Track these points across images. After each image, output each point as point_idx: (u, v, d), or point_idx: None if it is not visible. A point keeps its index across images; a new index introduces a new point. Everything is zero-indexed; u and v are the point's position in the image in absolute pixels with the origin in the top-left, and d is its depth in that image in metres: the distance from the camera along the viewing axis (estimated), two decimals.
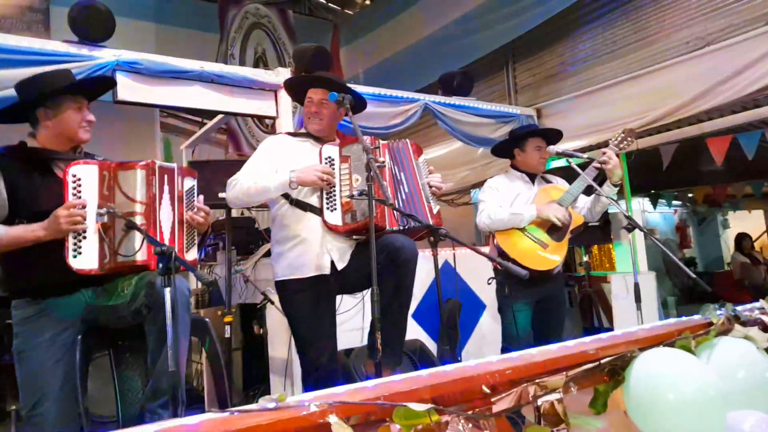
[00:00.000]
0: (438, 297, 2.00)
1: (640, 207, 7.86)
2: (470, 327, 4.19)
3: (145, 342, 1.89)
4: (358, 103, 2.51)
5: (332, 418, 0.87)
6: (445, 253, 3.89)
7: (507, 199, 2.89)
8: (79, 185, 1.87)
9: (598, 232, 4.63)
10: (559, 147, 3.05)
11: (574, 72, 5.17)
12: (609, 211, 4.43)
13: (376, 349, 1.92)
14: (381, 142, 2.38)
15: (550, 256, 2.80)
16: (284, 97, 3.72)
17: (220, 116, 4.56)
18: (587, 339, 1.33)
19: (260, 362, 3.61)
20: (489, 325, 4.18)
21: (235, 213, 4.21)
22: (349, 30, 7.38)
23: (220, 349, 2.89)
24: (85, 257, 1.85)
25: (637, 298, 2.62)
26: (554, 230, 2.84)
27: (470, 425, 1.05)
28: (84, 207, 1.84)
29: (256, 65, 6.24)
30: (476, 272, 4.02)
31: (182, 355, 1.87)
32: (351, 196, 2.23)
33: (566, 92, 5.15)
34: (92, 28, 3.01)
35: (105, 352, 1.99)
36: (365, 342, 3.40)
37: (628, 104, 4.56)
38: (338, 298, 2.45)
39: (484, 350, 4.12)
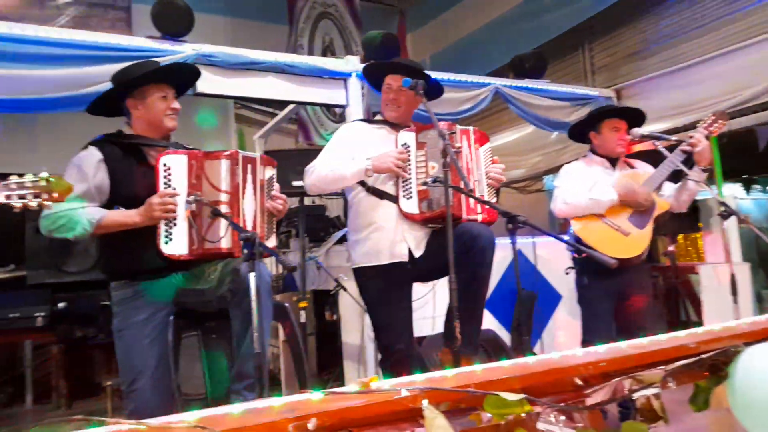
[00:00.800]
0: (517, 286, 1.95)
1: (732, 193, 7.33)
2: (545, 319, 4.07)
3: (229, 324, 1.98)
4: (435, 90, 2.48)
5: (424, 404, 0.87)
6: (518, 243, 3.79)
7: (584, 186, 2.76)
8: (170, 174, 1.96)
9: (685, 220, 4.32)
10: (644, 129, 2.88)
11: (658, 49, 4.86)
12: (697, 197, 4.15)
13: (455, 338, 1.90)
14: (459, 127, 2.34)
15: (632, 244, 2.65)
16: (354, 85, 3.75)
17: (291, 106, 4.66)
18: (681, 333, 1.26)
19: (333, 348, 3.69)
20: (565, 318, 4.05)
21: (307, 201, 4.30)
22: (415, 15, 7.30)
23: (299, 333, 2.98)
24: (176, 243, 1.95)
25: (734, 291, 2.44)
26: (636, 216, 2.69)
27: (563, 417, 1.02)
28: (175, 195, 1.93)
29: (324, 55, 6.32)
30: (552, 262, 3.91)
31: (265, 339, 1.93)
32: (425, 184, 2.22)
33: (649, 71, 4.85)
34: (173, 23, 3.14)
35: (193, 333, 2.09)
36: (436, 331, 3.41)
37: (718, 83, 4.24)
38: None
39: (560, 343, 4.00)
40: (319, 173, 2.30)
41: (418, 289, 2.88)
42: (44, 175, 1.45)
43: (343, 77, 3.73)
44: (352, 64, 3.74)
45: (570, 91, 4.68)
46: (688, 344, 1.17)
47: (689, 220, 4.46)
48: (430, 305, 3.37)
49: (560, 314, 4.10)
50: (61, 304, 3.46)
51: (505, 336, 3.74)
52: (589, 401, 1.04)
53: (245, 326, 1.90)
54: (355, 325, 3.63)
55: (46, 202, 1.45)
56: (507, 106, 4.54)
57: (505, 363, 1.04)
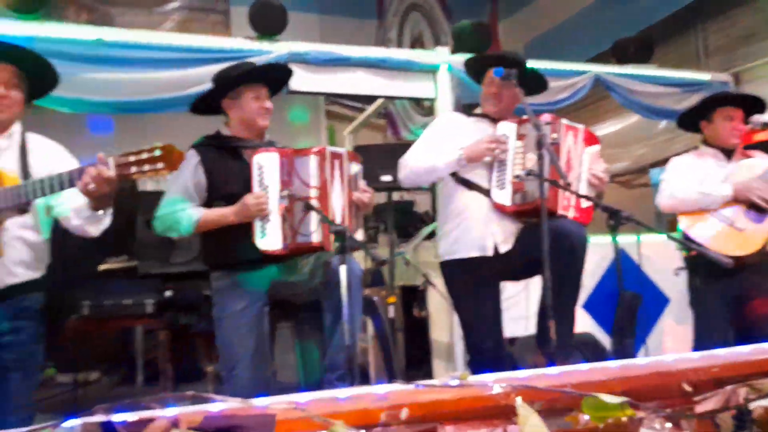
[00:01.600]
0: (619, 287, 1.82)
1: None
2: (650, 323, 3.79)
3: (321, 315, 2.02)
4: (538, 83, 2.41)
5: (518, 401, 0.83)
6: (621, 241, 3.57)
7: (694, 180, 2.54)
8: (263, 171, 2.05)
9: None
10: (766, 117, 2.59)
11: None
12: None
13: (549, 339, 1.82)
14: (565, 122, 2.22)
15: (749, 241, 2.41)
16: (443, 77, 3.69)
17: (380, 101, 4.69)
18: None
19: (421, 344, 3.68)
20: (673, 322, 3.74)
21: (395, 196, 4.32)
22: (507, 2, 7.08)
23: (388, 328, 3.00)
24: (270, 238, 2.02)
25: None
26: (753, 211, 2.44)
27: (669, 425, 0.94)
28: (268, 193, 2.01)
29: (412, 48, 6.32)
30: (659, 262, 3.62)
31: (356, 331, 1.96)
32: (518, 177, 2.14)
33: None
34: (268, 23, 3.27)
35: (287, 323, 2.17)
36: (529, 332, 3.28)
37: None
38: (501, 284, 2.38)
39: (667, 350, 3.70)
40: (412, 165, 2.29)
41: (509, 287, 2.79)
42: (158, 144, 1.56)
43: (432, 70, 3.69)
44: (442, 55, 3.69)
45: (680, 77, 4.32)
46: None
47: None
48: (522, 305, 3.24)
49: (668, 319, 3.80)
50: (168, 293, 3.74)
51: (604, 340, 3.54)
52: (699, 409, 0.95)
53: (336, 318, 1.95)
54: (444, 322, 3.59)
55: (162, 171, 1.55)
56: (608, 94, 4.28)
57: (607, 363, 0.97)
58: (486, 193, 2.22)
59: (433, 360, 3.54)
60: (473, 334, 2.28)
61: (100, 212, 1.72)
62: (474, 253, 2.22)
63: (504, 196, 2.17)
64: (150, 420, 0.76)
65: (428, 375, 3.56)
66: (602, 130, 5.65)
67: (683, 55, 5.15)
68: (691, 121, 2.73)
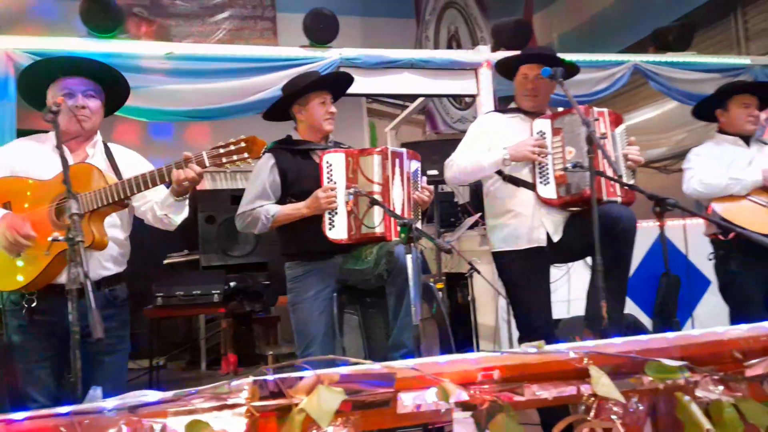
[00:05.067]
0: (666, 268, 1.96)
1: None
2: (692, 305, 3.88)
3: (385, 299, 2.22)
4: (571, 70, 2.49)
5: (590, 366, 1.00)
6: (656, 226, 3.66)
7: (722, 166, 2.62)
8: (331, 170, 2.25)
9: None
10: None
11: None
12: None
13: (600, 318, 1.96)
14: (595, 109, 2.32)
15: None
16: (484, 74, 3.83)
17: (421, 98, 4.85)
18: None
19: (466, 328, 3.84)
20: (713, 304, 3.81)
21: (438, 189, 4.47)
22: None
23: (444, 311, 3.18)
24: (338, 229, 2.23)
25: None
26: None
27: (722, 387, 1.09)
28: (335, 189, 2.21)
29: (449, 45, 6.42)
30: (700, 246, 3.70)
31: (417, 314, 2.15)
32: (564, 169, 2.27)
33: None
34: (320, 32, 3.48)
35: (354, 307, 2.37)
36: (571, 315, 3.41)
37: None
38: None
39: None
40: (458, 165, 2.43)
41: (553, 272, 2.93)
42: (242, 137, 1.82)
43: (474, 67, 3.84)
44: (483, 53, 3.83)
45: (720, 62, 4.33)
46: None
47: None
48: (564, 288, 3.39)
49: (708, 300, 3.88)
50: (232, 283, 4.02)
51: (646, 321, 3.64)
52: (749, 373, 1.09)
53: (400, 301, 2.15)
54: (489, 307, 3.75)
55: (248, 160, 1.81)
56: (645, 81, 4.33)
57: (665, 334, 1.13)
58: (532, 188, 2.35)
59: (481, 342, 3.70)
60: (527, 315, 2.42)
61: (182, 199, 1.93)
62: (527, 245, 2.36)
63: (550, 191, 2.30)
64: (299, 378, 0.97)
65: None
66: (639, 116, 5.67)
67: (724, 39, 5.13)
68: (707, 110, 2.81)
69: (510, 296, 2.54)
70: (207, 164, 1.80)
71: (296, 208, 2.27)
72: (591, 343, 1.09)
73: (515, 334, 2.91)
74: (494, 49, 3.88)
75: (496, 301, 3.67)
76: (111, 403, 0.89)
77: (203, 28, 5.07)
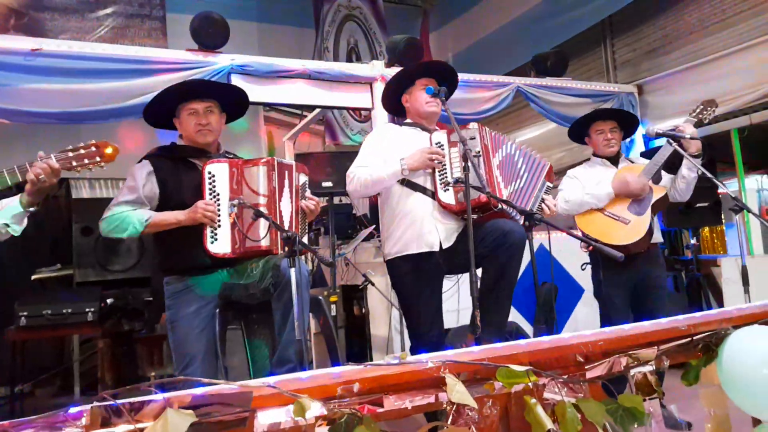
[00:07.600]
0: (534, 280, 2.10)
1: (758, 185, 7.28)
2: (567, 311, 4.20)
3: (271, 315, 2.17)
4: (454, 83, 2.63)
5: (446, 374, 1.04)
6: (541, 237, 3.93)
7: (587, 186, 2.90)
8: (214, 180, 2.17)
9: (708, 213, 4.38)
10: (660, 126, 2.99)
11: (679, 45, 4.90)
12: (720, 190, 4.20)
13: (476, 325, 2.05)
14: (472, 126, 2.45)
15: (633, 230, 2.77)
16: (379, 88, 3.91)
17: (318, 109, 4.85)
18: (680, 317, 1.40)
19: (361, 340, 3.87)
20: (587, 310, 4.16)
21: (334, 200, 4.49)
22: (438, 14, 7.40)
23: (333, 326, 3.17)
24: (220, 243, 2.15)
25: (745, 282, 2.55)
26: (635, 205, 2.82)
27: (565, 388, 1.18)
28: (218, 201, 2.14)
29: (348, 57, 6.50)
30: (575, 257, 4.02)
31: (304, 328, 2.12)
32: (448, 183, 2.37)
33: (670, 67, 4.90)
34: (210, 36, 3.36)
35: (238, 323, 2.30)
36: (461, 323, 3.55)
37: (739, 77, 4.29)
38: None
39: None
40: (359, 179, 2.44)
41: (444, 283, 3.04)
42: (93, 141, 1.87)
43: (369, 81, 3.91)
44: (378, 68, 3.92)
45: (591, 89, 4.77)
46: (682, 327, 1.31)
47: (713, 213, 4.51)
48: (454, 298, 3.52)
49: (582, 307, 4.22)
50: (109, 300, 3.73)
51: (527, 329, 3.88)
52: (589, 375, 1.20)
53: (285, 317, 2.11)
54: (383, 318, 3.81)
55: (100, 164, 1.86)
56: (528, 103, 4.65)
57: (517, 342, 1.21)
58: (431, 194, 2.43)
59: (374, 353, 3.74)
60: (418, 323, 2.47)
61: (32, 209, 1.87)
62: (422, 249, 2.42)
63: (450, 197, 2.39)
64: (146, 402, 0.92)
65: None
66: (524, 135, 6.08)
67: (595, 67, 5.65)
68: (578, 135, 3.12)
69: (402, 306, 2.59)
70: (56, 165, 1.80)
71: (173, 215, 2.16)
72: (450, 353, 1.13)
73: (408, 344, 2.97)
74: (388, 65, 3.98)
75: (389, 312, 3.74)
76: None
77: (82, 23, 4.70)
